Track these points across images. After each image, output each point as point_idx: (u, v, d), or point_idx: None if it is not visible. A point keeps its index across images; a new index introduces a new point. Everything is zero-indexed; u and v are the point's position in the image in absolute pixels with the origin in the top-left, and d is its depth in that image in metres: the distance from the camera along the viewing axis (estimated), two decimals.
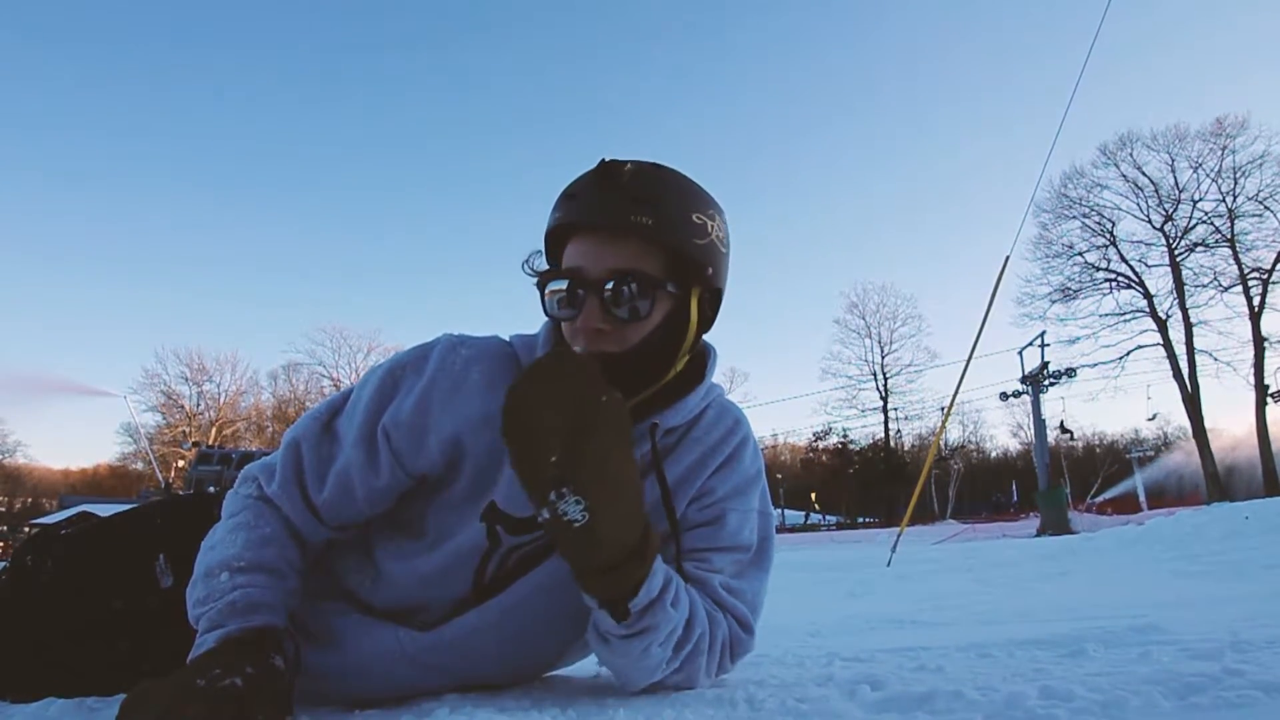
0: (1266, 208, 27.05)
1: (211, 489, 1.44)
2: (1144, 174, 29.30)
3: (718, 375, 1.23)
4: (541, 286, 1.09)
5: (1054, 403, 28.61)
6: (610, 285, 1.03)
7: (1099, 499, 37.44)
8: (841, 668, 1.39)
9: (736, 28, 69.32)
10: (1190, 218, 28.57)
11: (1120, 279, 29.82)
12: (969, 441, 48.15)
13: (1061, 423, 28.48)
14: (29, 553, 1.27)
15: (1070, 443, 29.20)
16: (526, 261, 1.13)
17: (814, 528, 38.48)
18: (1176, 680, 1.02)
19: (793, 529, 36.60)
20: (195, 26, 62.37)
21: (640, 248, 1.04)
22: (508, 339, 1.19)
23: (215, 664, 0.88)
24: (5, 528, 41.57)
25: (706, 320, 1.14)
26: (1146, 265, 29.54)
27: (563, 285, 1.05)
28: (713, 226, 1.09)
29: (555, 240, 1.10)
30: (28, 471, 53.96)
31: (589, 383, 0.93)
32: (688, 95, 71.73)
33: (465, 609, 1.12)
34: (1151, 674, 1.09)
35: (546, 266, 1.12)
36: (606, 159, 1.06)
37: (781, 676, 1.28)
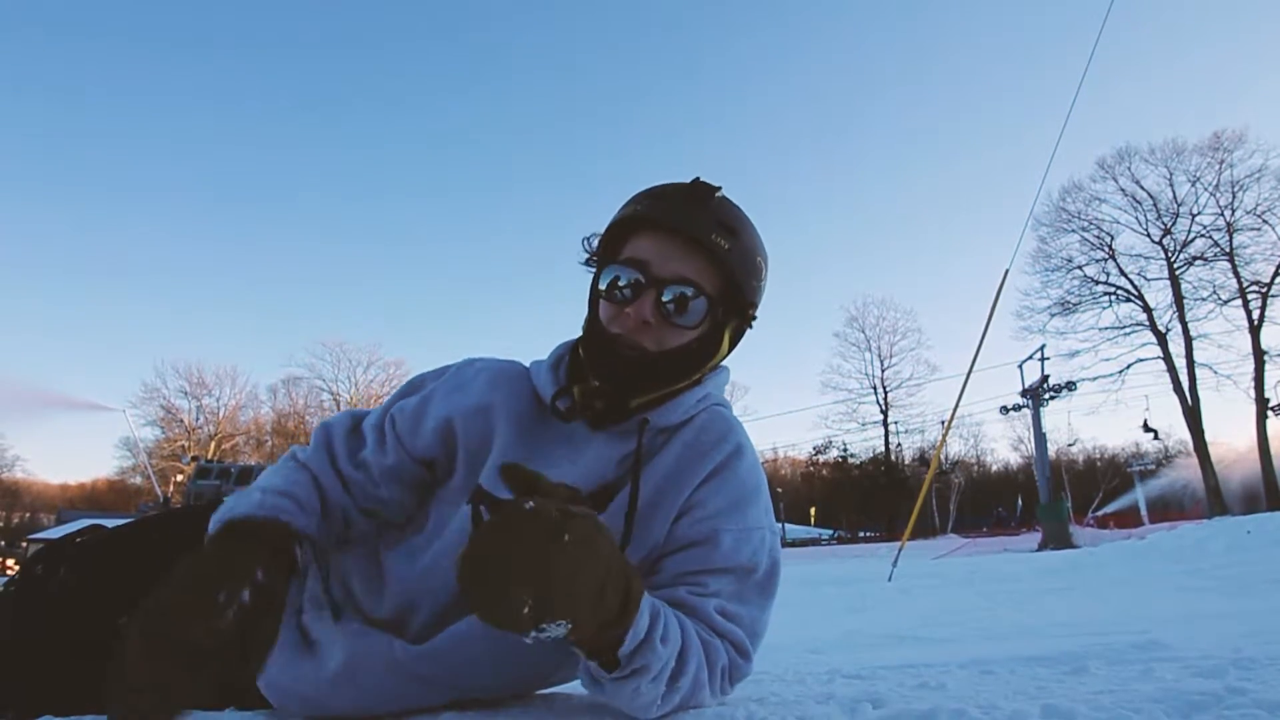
0: (1265, 221, 27.15)
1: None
2: (1142, 188, 29.44)
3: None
4: (600, 266, 1.14)
5: (1138, 401, 28.21)
6: (673, 289, 1.09)
7: (1100, 513, 37.35)
8: (843, 685, 1.39)
9: (736, 39, 69.90)
10: (1189, 231, 28.67)
11: (1119, 292, 29.89)
12: (970, 455, 48.05)
13: (1145, 422, 28.26)
14: (40, 562, 1.27)
15: (1155, 441, 28.85)
16: (587, 239, 1.19)
17: (814, 541, 38.32)
18: (1179, 698, 1.02)
19: (794, 543, 36.44)
20: (194, 32, 62.86)
21: (708, 266, 1.10)
22: (526, 365, 1.26)
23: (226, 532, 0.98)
24: (3, 543, 41.36)
25: (730, 349, 1.22)
26: (1146, 279, 29.63)
27: (625, 272, 1.10)
28: (765, 273, 1.17)
29: (622, 229, 1.14)
30: (25, 486, 53.88)
31: (549, 532, 0.81)
32: (687, 106, 72.23)
33: (456, 617, 1.11)
34: (1154, 692, 1.09)
35: (605, 251, 1.17)
36: (699, 180, 1.13)
37: (782, 694, 1.27)
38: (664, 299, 1.08)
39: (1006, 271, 10.01)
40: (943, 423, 27.83)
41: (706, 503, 1.13)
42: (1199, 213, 28.46)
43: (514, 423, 1.16)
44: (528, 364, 1.25)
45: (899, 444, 46.39)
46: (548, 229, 72.29)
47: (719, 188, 1.13)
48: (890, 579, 7.66)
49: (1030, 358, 24.40)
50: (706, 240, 1.07)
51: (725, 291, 1.12)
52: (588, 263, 1.18)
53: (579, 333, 1.23)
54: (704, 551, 1.11)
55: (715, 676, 1.09)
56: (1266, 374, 27.18)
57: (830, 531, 44.41)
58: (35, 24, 58.63)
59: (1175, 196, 28.92)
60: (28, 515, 52.37)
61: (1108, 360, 29.73)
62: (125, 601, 1.22)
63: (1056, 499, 21.74)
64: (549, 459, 1.13)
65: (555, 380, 1.17)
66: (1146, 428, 28.33)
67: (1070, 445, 32.51)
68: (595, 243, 1.18)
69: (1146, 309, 29.35)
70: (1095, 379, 29.24)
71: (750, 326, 1.20)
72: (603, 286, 1.12)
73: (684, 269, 1.09)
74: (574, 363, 1.19)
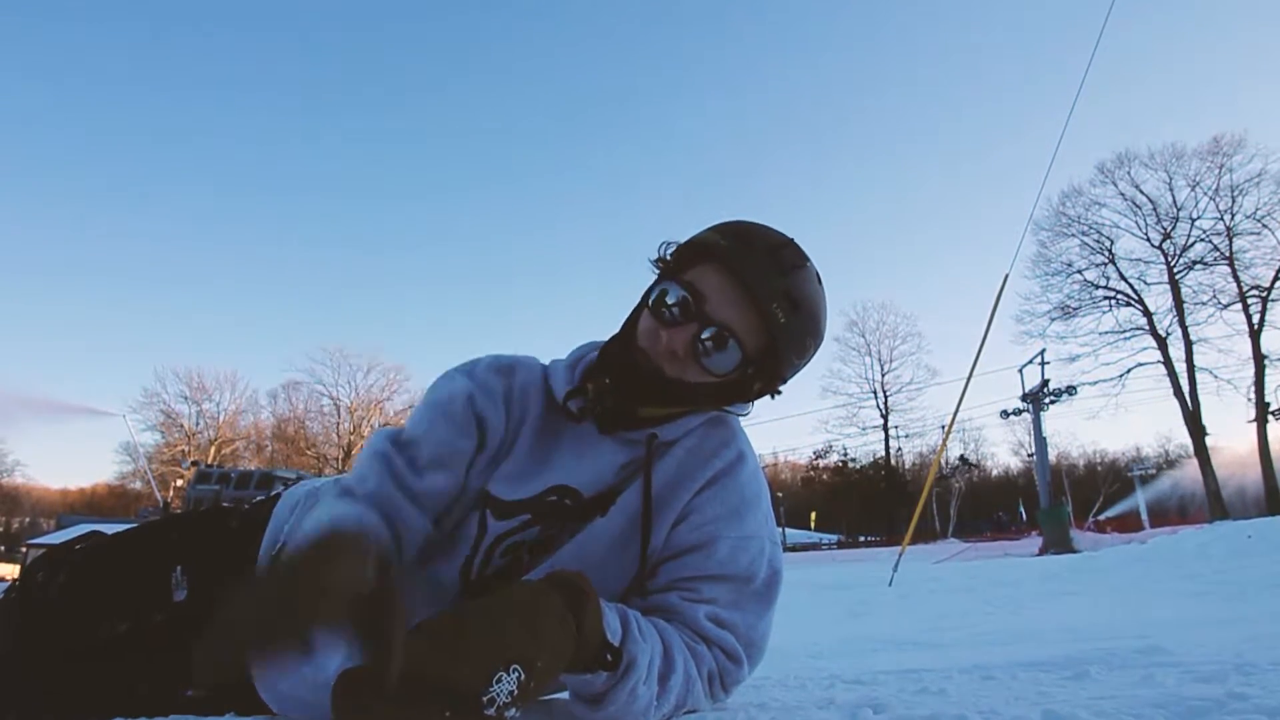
0: (1264, 225, 27.15)
1: (227, 504, 1.44)
2: (1142, 192, 29.46)
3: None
4: (662, 281, 1.11)
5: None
6: (714, 333, 1.07)
7: (1101, 517, 37.30)
8: (843, 690, 1.38)
9: (735, 38, 70.05)
10: (1189, 236, 28.68)
11: (1119, 297, 29.90)
12: (970, 459, 47.97)
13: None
14: (40, 568, 1.26)
15: (1206, 437, 28.67)
16: (665, 245, 1.16)
17: (815, 546, 38.30)
18: (1180, 704, 1.01)
19: (795, 548, 36.42)
20: (194, 34, 63.00)
21: (756, 326, 1.07)
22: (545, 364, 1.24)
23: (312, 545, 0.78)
24: (3, 548, 41.34)
25: (745, 403, 1.20)
26: (1145, 283, 29.63)
27: (680, 295, 1.08)
28: (812, 355, 1.15)
29: (697, 253, 1.11)
30: (25, 491, 53.88)
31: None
32: (686, 105, 72.35)
33: None
34: (1155, 697, 1.08)
35: (672, 264, 1.14)
36: (793, 243, 1.11)
37: (783, 699, 1.27)
38: (703, 337, 1.07)
39: (1006, 276, 10.04)
40: (943, 427, 27.82)
41: (704, 509, 1.14)
42: (1199, 217, 28.51)
43: (530, 434, 1.15)
44: (546, 363, 1.24)
45: (899, 448, 46.45)
46: (548, 229, 72.45)
47: (806, 261, 1.11)
48: (891, 584, 7.66)
49: (1030, 362, 24.44)
50: (767, 308, 1.05)
51: (764, 356, 1.10)
52: (656, 264, 1.16)
53: (592, 333, 1.25)
54: (699, 558, 1.12)
55: (703, 681, 1.09)
56: (1267, 378, 27.20)
57: (834, 537, 44.30)
58: (35, 26, 58.79)
59: (1175, 201, 28.98)
60: (27, 520, 52.34)
61: (1108, 365, 29.78)
62: (125, 608, 1.23)
63: (1057, 503, 21.72)
64: (557, 462, 1.14)
65: (570, 379, 1.17)
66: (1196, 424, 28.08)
67: (1030, 457, 32.45)
68: (668, 251, 1.16)
69: (1146, 313, 29.38)
70: (1096, 383, 29.29)
71: (774, 396, 1.18)
72: (654, 297, 1.11)
73: (734, 320, 1.07)
74: (597, 362, 1.17)
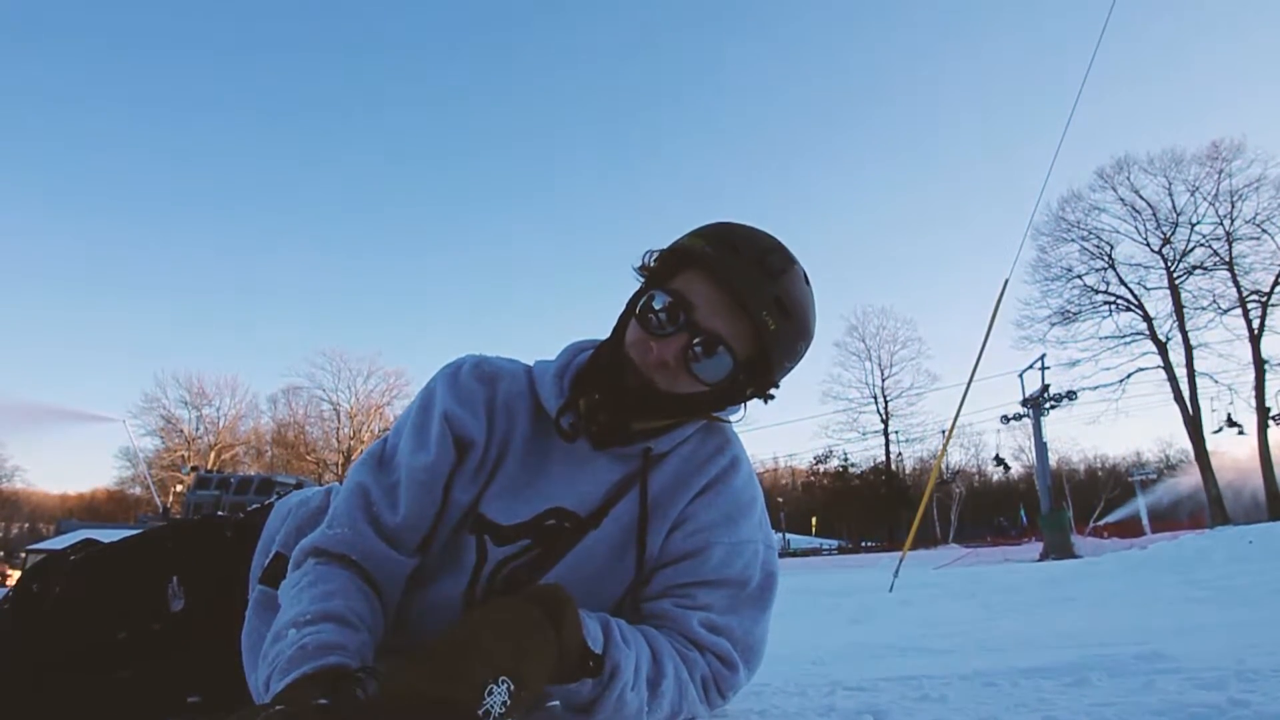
0: (1264, 230, 27.25)
1: (221, 513, 1.44)
2: (1141, 197, 29.55)
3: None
4: (650, 289, 1.09)
5: (1224, 393, 27.79)
6: (705, 342, 1.05)
7: (1102, 522, 37.23)
8: (844, 697, 1.38)
9: (737, 45, 70.21)
10: (1188, 241, 28.78)
11: (1119, 302, 29.95)
12: (970, 464, 47.93)
13: (1229, 416, 27.95)
14: (35, 579, 1.26)
15: (1240, 435, 28.26)
16: (650, 252, 1.14)
17: (816, 551, 38.24)
18: (1181, 711, 1.02)
19: (796, 553, 36.36)
20: (193, 39, 63.18)
21: (747, 334, 1.06)
22: (528, 365, 1.22)
23: (279, 701, 0.82)
24: (2, 553, 41.30)
25: (739, 405, 1.19)
26: (1145, 288, 29.70)
27: (669, 305, 1.06)
28: (803, 355, 1.14)
29: (684, 259, 1.09)
30: (25, 496, 53.81)
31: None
32: (687, 112, 72.48)
33: None
34: (1157, 704, 1.08)
35: (658, 271, 1.12)
36: (780, 246, 1.09)
37: (784, 706, 1.27)
38: (694, 347, 1.05)
39: (1006, 281, 10.00)
40: (943, 432, 27.76)
41: (699, 515, 1.14)
42: (1198, 222, 28.60)
43: (519, 450, 1.13)
44: (531, 363, 1.22)
45: (900, 453, 46.36)
46: (548, 234, 72.54)
47: (794, 264, 1.09)
48: (891, 589, 7.62)
49: (1030, 367, 24.44)
50: (757, 316, 1.04)
51: (756, 364, 1.09)
52: (640, 271, 1.14)
53: (586, 334, 1.23)
54: (694, 564, 1.12)
55: (697, 687, 1.09)
56: (1267, 383, 27.18)
57: (835, 542, 44.19)
58: (36, 29, 58.95)
59: (1174, 206, 29.06)
60: (27, 526, 52.28)
61: (1108, 369, 29.81)
62: (123, 617, 1.22)
63: (1058, 508, 21.67)
64: (550, 482, 1.13)
65: (560, 390, 1.14)
66: (1231, 422, 27.94)
67: (1000, 463, 31.93)
68: (652, 259, 1.13)
69: (1146, 318, 29.42)
70: (1096, 388, 29.28)
71: (767, 400, 1.17)
72: (641, 305, 1.09)
73: (725, 328, 1.05)
74: (585, 370, 1.15)
